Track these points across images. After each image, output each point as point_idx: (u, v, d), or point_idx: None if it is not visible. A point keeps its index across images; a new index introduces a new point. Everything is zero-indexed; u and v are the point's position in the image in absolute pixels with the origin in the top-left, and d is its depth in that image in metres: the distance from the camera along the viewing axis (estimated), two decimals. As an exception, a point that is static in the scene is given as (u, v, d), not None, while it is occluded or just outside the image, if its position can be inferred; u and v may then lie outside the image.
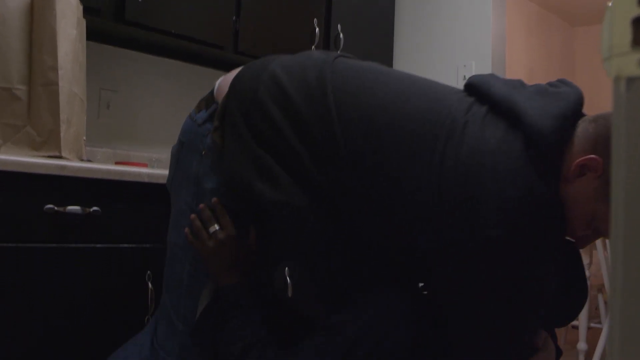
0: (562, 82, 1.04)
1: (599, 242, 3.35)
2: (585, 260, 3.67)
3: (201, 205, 1.22)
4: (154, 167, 2.20)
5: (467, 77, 2.81)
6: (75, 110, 1.69)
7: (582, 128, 1.00)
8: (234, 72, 1.24)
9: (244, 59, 2.42)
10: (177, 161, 1.30)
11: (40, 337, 1.45)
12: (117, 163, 2.09)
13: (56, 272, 1.47)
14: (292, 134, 1.08)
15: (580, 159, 0.96)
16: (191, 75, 2.54)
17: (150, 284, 1.61)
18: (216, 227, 1.21)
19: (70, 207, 1.48)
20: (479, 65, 2.73)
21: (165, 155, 2.41)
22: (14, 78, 1.54)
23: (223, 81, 1.25)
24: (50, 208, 1.45)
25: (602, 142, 0.96)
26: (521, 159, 0.94)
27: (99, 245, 1.55)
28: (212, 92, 1.28)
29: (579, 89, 1.05)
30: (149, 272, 1.62)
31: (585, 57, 4.80)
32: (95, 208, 1.53)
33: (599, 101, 4.47)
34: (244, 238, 1.24)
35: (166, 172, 1.66)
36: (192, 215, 1.22)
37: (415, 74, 1.18)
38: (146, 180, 1.60)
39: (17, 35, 1.55)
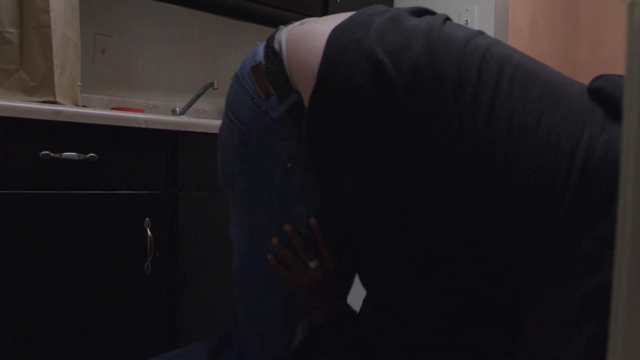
0: None
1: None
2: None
3: (288, 228, 0.98)
4: (150, 114, 2.17)
5: (468, 22, 2.74)
6: (69, 55, 1.65)
7: None
8: (304, 36, 0.96)
9: (243, 3, 2.37)
10: (244, 160, 1.00)
11: (37, 285, 1.45)
12: (113, 109, 2.06)
13: (53, 220, 1.46)
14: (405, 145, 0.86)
15: None
16: (188, 19, 2.48)
17: (149, 231, 1.61)
18: (316, 261, 1.00)
19: (66, 154, 1.46)
20: (481, 9, 2.67)
21: (163, 102, 2.37)
22: (5, 21, 1.50)
23: (295, 52, 0.95)
24: (45, 154, 1.43)
25: None
26: None
27: (96, 192, 1.53)
28: (276, 63, 0.97)
29: None
30: (147, 219, 1.61)
31: (588, 4, 4.70)
32: (91, 154, 1.51)
33: (602, 48, 4.41)
34: (344, 267, 1.04)
35: (163, 117, 1.64)
36: (275, 241, 0.99)
37: (544, 67, 0.93)
38: (143, 125, 1.57)
39: (6, -24, 1.50)
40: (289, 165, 0.95)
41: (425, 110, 0.85)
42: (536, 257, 0.81)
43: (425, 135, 0.85)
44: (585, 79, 0.99)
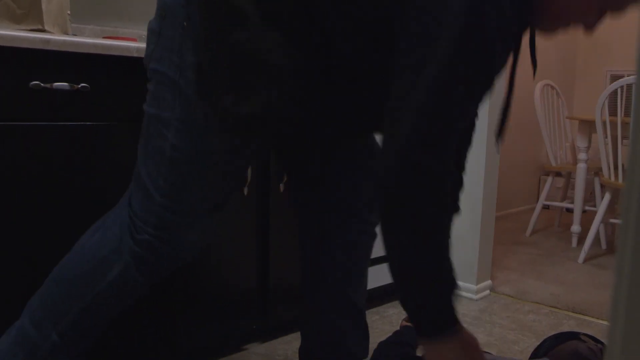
0: None
1: (599, 127, 3.32)
2: (584, 144, 3.65)
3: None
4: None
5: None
6: (57, -19, 1.59)
7: None
8: None
9: None
10: (159, 36, 1.20)
11: (27, 218, 1.44)
12: (105, 38, 2.00)
13: (44, 151, 1.44)
14: None
15: None
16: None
17: (144, 164, 1.58)
18: None
19: (57, 84, 1.43)
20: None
21: (156, 33, 2.31)
22: (-12, -56, 1.44)
23: None
24: (36, 84, 1.40)
25: None
26: None
27: (88, 123, 1.50)
28: None
29: None
30: (142, 151, 1.59)
31: None
32: (83, 84, 1.47)
33: None
34: None
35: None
36: None
37: None
38: (135, 54, 1.53)
39: None
40: (185, 24, 1.15)
41: None
42: None
43: None
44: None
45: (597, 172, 3.80)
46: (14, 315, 1.36)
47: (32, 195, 1.43)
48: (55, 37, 1.41)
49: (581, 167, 3.65)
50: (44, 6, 1.50)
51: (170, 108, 1.19)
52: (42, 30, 1.50)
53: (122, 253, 1.23)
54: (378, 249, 2.43)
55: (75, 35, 1.85)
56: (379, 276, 2.44)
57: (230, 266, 1.88)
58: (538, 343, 1.84)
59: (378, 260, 2.43)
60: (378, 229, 1.52)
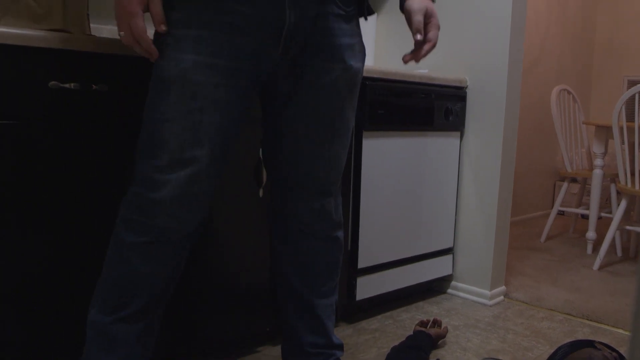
0: None
1: (616, 132, 3.29)
2: (600, 150, 3.62)
3: None
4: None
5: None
6: (77, -19, 1.60)
7: None
8: None
9: None
10: None
11: (45, 216, 1.45)
12: (123, 41, 2.01)
13: (63, 151, 1.45)
14: None
15: None
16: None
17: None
18: None
19: (76, 84, 1.44)
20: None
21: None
22: (10, -56, 1.45)
23: None
24: (55, 84, 1.41)
25: None
26: None
27: (103, 124, 1.51)
28: None
29: None
30: (158, 151, 1.59)
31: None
32: (102, 84, 1.47)
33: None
34: None
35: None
36: None
37: None
38: (153, 56, 1.53)
39: None
40: None
41: None
42: None
43: None
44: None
45: (614, 178, 3.77)
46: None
47: (51, 194, 1.44)
48: (75, 37, 1.42)
49: (597, 173, 3.62)
50: (63, 6, 1.51)
51: None
52: (62, 30, 1.51)
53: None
54: (389, 254, 2.43)
55: (94, 35, 1.86)
56: (391, 281, 2.43)
57: (243, 268, 1.88)
58: (552, 350, 1.83)
59: (389, 265, 2.43)
60: (335, 237, 1.59)
